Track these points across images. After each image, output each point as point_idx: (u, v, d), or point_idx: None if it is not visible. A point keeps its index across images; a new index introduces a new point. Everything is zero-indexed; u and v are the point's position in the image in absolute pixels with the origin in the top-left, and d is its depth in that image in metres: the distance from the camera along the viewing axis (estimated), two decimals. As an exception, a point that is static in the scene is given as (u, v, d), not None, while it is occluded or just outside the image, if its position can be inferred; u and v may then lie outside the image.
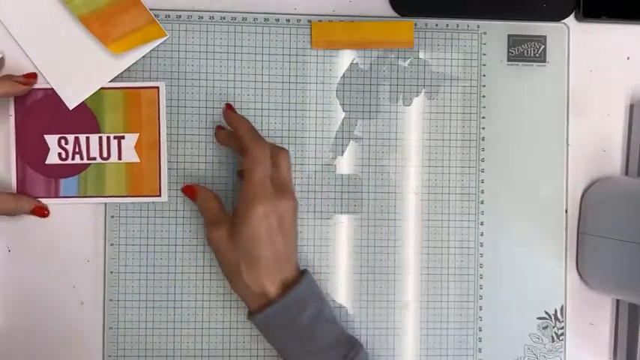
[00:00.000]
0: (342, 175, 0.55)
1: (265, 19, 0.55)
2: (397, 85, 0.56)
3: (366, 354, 0.49)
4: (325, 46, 0.55)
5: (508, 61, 0.57)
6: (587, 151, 0.57)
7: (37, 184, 0.53)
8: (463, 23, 0.56)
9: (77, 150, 0.53)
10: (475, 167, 0.56)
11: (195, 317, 0.54)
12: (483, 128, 0.56)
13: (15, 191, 0.53)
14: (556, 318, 0.56)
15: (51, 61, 0.53)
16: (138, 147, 0.54)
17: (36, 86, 0.53)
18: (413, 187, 0.56)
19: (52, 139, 0.53)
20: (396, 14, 0.56)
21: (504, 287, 0.55)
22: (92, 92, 0.53)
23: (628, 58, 0.58)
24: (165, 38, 0.54)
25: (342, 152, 0.56)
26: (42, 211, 0.52)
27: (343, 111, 0.56)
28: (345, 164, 0.56)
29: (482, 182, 0.56)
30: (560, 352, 0.56)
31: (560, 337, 0.56)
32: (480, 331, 0.56)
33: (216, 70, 0.55)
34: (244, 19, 0.55)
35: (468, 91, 0.56)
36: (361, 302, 0.55)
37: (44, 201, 0.53)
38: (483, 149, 0.56)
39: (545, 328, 0.56)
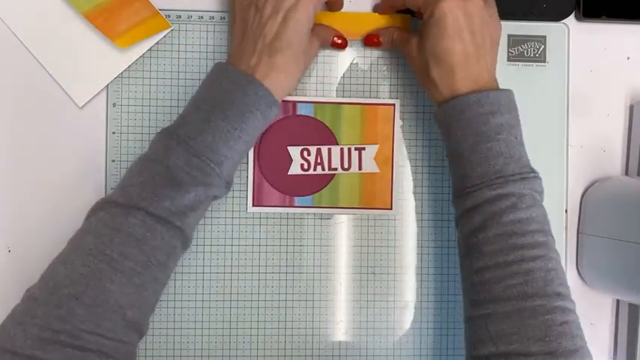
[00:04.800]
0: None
1: (265, 19, 0.55)
2: (397, 85, 0.56)
3: (542, 188, 0.46)
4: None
5: (508, 61, 0.57)
6: (587, 151, 0.57)
7: (273, 197, 0.55)
8: (463, 23, 0.56)
9: (319, 161, 0.54)
10: (475, 167, 0.56)
11: (195, 317, 0.54)
12: (483, 128, 0.56)
13: (251, 203, 0.54)
14: (556, 318, 0.56)
15: (58, 60, 0.54)
16: (376, 159, 0.55)
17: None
18: (413, 187, 0.56)
19: (294, 151, 0.54)
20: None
21: (504, 287, 0.55)
22: (100, 89, 0.54)
23: (628, 58, 0.58)
24: (170, 29, 0.54)
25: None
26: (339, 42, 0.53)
27: (343, 111, 0.56)
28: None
29: (482, 182, 0.56)
30: (560, 352, 0.56)
31: (560, 337, 0.56)
32: (480, 331, 0.56)
33: (216, 70, 0.55)
34: (244, 19, 0.55)
35: (468, 91, 0.56)
36: (361, 302, 0.55)
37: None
38: (483, 149, 0.56)
39: (545, 328, 0.56)
